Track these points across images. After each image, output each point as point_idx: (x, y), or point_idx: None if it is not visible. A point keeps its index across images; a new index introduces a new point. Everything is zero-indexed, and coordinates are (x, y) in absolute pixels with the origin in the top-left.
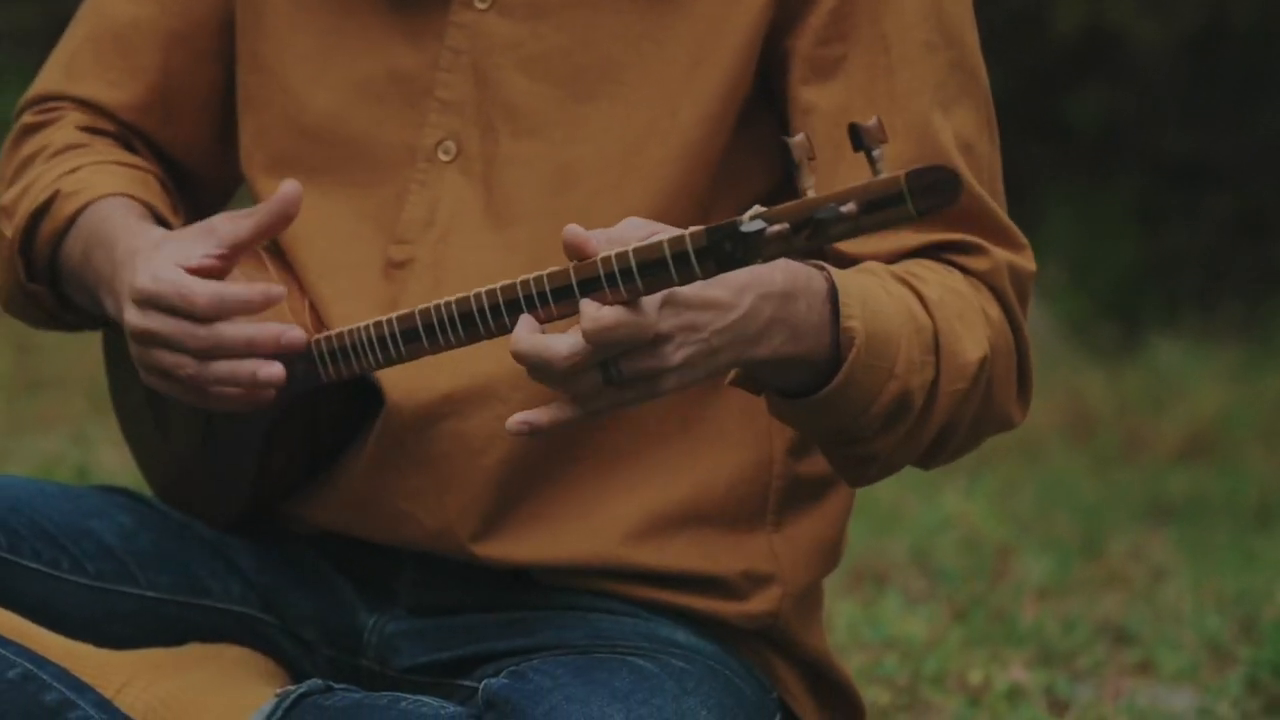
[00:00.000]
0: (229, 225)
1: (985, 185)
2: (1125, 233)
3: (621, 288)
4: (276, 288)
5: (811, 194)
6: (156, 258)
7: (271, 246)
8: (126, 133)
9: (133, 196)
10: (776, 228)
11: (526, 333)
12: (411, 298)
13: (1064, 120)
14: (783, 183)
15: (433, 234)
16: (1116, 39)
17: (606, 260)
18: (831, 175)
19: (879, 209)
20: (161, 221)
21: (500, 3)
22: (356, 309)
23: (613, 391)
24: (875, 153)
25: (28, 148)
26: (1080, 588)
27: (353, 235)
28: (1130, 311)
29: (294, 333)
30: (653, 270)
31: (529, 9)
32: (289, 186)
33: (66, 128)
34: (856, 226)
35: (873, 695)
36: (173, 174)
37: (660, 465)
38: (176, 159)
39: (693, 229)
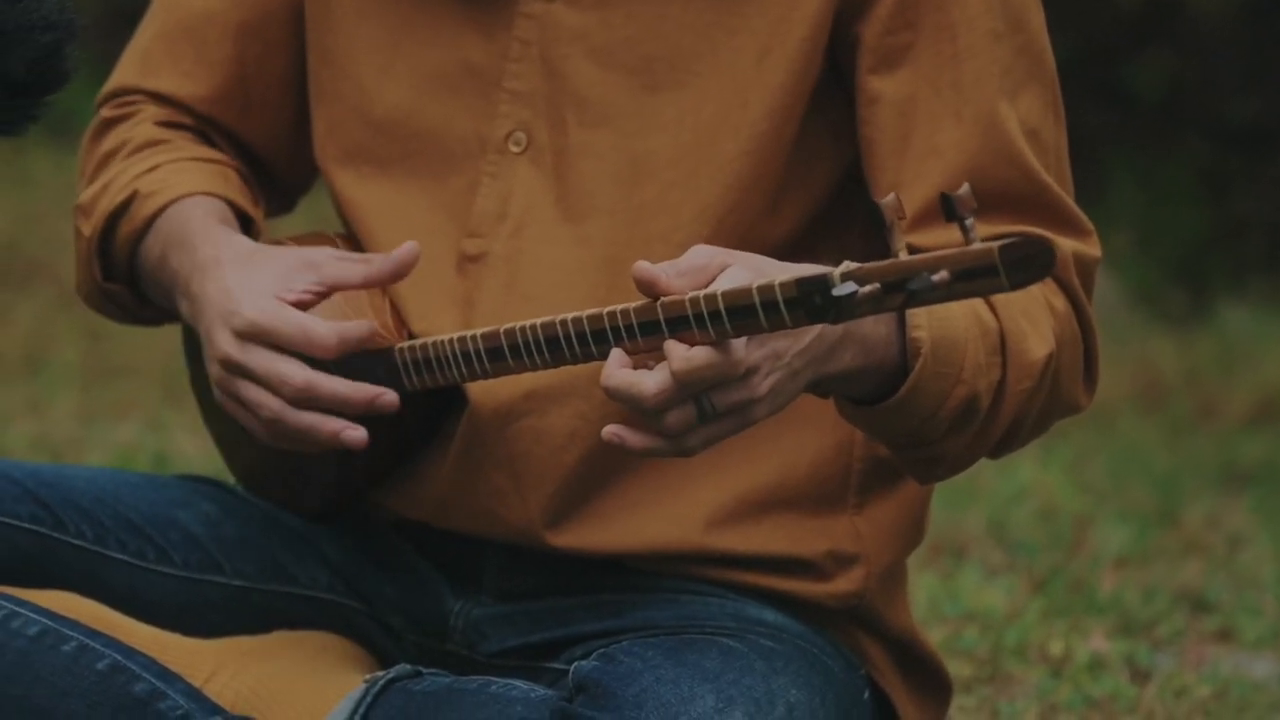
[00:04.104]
0: (336, 266)
1: (1051, 170)
2: (1190, 199)
3: (710, 329)
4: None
5: (903, 255)
6: (251, 284)
7: (350, 238)
8: (205, 126)
9: (213, 194)
10: (868, 289)
11: (618, 368)
12: (486, 294)
13: (1127, 88)
14: (854, 167)
15: (506, 227)
16: (1178, 5)
17: (695, 301)
18: (898, 165)
19: (971, 279)
20: (242, 215)
21: None
22: (432, 304)
23: (707, 427)
24: (968, 221)
25: (107, 143)
26: (1158, 556)
27: (426, 227)
28: (1198, 278)
29: (389, 396)
30: (742, 315)
31: None
32: (408, 248)
33: (145, 123)
34: (949, 294)
35: (954, 668)
36: (252, 165)
37: (741, 451)
38: (255, 150)
39: (782, 280)
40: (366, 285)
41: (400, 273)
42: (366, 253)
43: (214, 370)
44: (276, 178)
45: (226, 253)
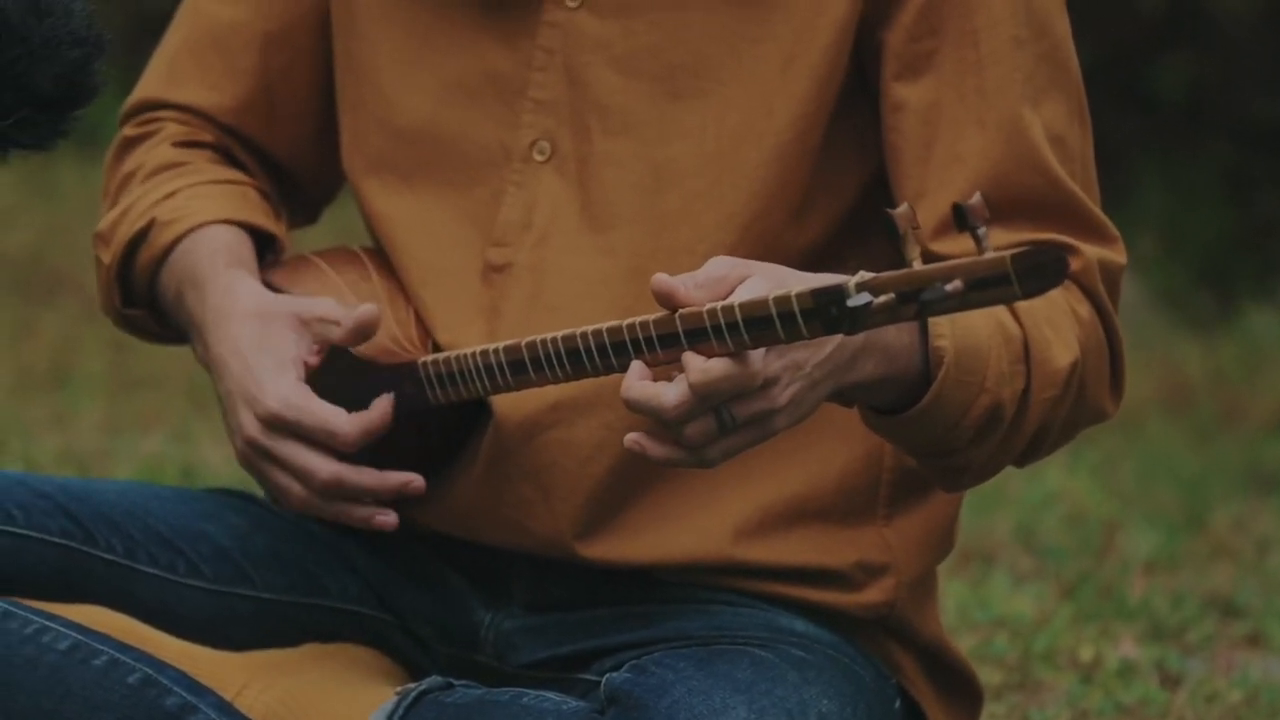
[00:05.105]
0: (320, 327)
1: (1077, 177)
2: (1215, 201)
3: (729, 340)
4: (416, 479)
5: (917, 264)
6: (271, 365)
7: (377, 251)
8: (227, 140)
9: (231, 220)
10: (882, 299)
11: (638, 380)
12: (512, 304)
13: (1150, 90)
14: (880, 174)
15: (530, 237)
16: (1200, 7)
17: (713, 313)
18: (922, 172)
19: (984, 288)
20: (261, 236)
21: (591, 1)
22: (457, 314)
23: (727, 439)
24: (980, 230)
25: (127, 164)
26: (1187, 561)
27: (451, 238)
28: (1223, 280)
29: (418, 482)
30: (759, 327)
31: (620, 7)
32: (367, 311)
33: (163, 145)
34: (963, 303)
35: (985, 675)
36: (276, 176)
37: (770, 463)
38: (280, 161)
39: (798, 291)
40: (344, 342)
41: (367, 329)
42: (388, 268)
43: (239, 445)
44: (301, 189)
45: (237, 307)
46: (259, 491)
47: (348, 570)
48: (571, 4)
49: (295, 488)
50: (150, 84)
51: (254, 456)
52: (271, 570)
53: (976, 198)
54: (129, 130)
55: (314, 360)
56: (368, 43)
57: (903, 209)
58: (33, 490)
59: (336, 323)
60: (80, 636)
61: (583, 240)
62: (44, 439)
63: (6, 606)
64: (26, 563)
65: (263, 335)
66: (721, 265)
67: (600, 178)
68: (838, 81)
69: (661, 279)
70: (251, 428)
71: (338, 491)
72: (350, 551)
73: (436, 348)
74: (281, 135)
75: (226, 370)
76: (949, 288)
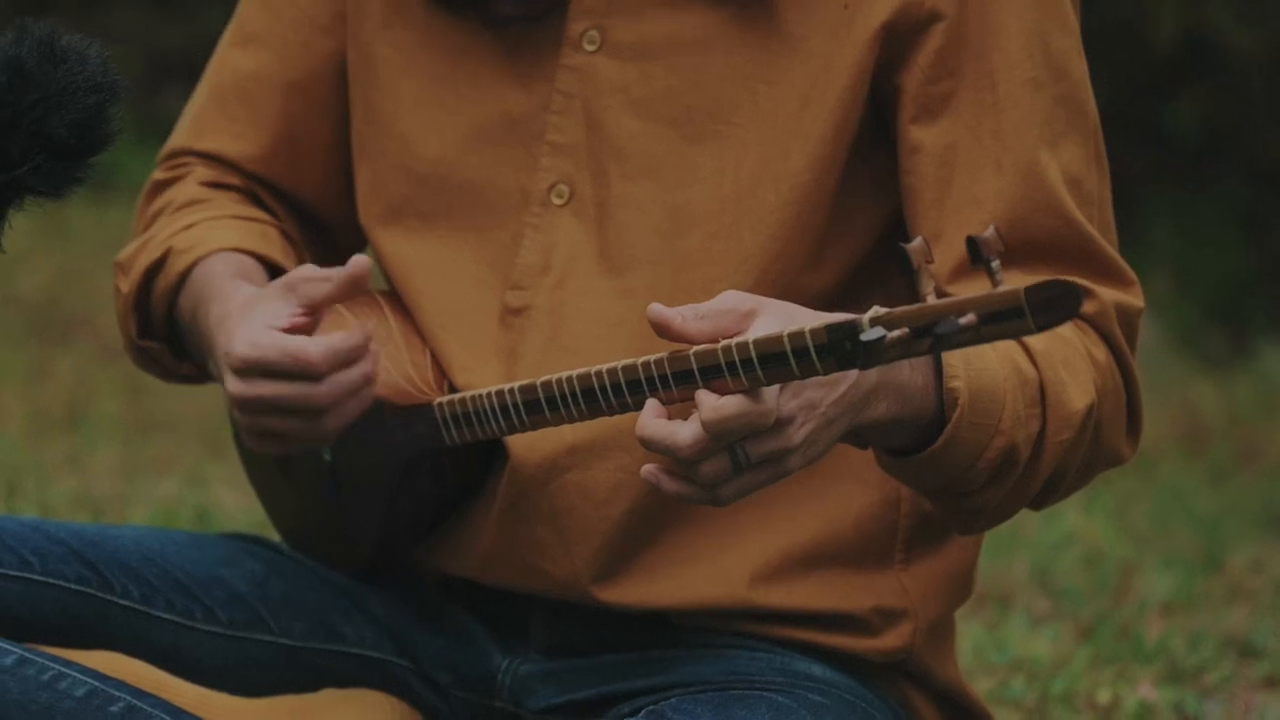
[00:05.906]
0: (307, 286)
1: (1094, 220)
2: (1229, 240)
3: (743, 377)
4: (369, 323)
5: (931, 299)
6: (247, 322)
7: (390, 294)
8: (253, 185)
9: (245, 250)
10: (896, 333)
11: (652, 418)
12: (530, 346)
13: (1164, 128)
14: (897, 215)
15: (549, 280)
16: (1214, 46)
17: (727, 349)
18: (939, 214)
19: (998, 321)
20: (279, 274)
21: (610, 45)
22: (475, 356)
23: (741, 478)
24: (994, 264)
25: (156, 204)
26: (1204, 602)
27: (470, 281)
28: (1238, 319)
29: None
30: (774, 363)
31: (638, 50)
32: (359, 261)
33: (190, 184)
34: (977, 336)
35: (1002, 717)
36: (306, 222)
37: (787, 506)
38: (307, 205)
39: (812, 326)
40: (334, 299)
41: (358, 280)
42: (404, 312)
43: (237, 415)
44: (332, 233)
45: (234, 305)
46: (275, 536)
47: (365, 615)
48: (590, 47)
49: (289, 424)
50: (179, 136)
51: (247, 417)
52: (288, 616)
53: (990, 230)
54: (159, 174)
55: (300, 320)
56: (388, 91)
57: (917, 243)
58: (48, 536)
59: (326, 279)
60: (97, 683)
61: (601, 283)
62: (59, 482)
63: (23, 653)
64: (42, 609)
65: (248, 310)
66: (729, 299)
67: (618, 221)
68: (854, 124)
69: (657, 309)
70: (234, 385)
71: (343, 400)
72: (367, 596)
73: (453, 390)
74: (307, 180)
75: (219, 357)
76: (963, 321)
